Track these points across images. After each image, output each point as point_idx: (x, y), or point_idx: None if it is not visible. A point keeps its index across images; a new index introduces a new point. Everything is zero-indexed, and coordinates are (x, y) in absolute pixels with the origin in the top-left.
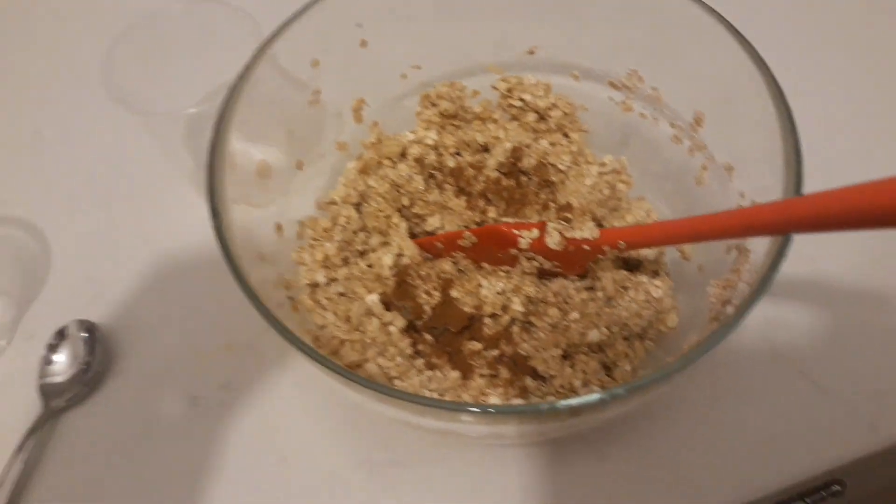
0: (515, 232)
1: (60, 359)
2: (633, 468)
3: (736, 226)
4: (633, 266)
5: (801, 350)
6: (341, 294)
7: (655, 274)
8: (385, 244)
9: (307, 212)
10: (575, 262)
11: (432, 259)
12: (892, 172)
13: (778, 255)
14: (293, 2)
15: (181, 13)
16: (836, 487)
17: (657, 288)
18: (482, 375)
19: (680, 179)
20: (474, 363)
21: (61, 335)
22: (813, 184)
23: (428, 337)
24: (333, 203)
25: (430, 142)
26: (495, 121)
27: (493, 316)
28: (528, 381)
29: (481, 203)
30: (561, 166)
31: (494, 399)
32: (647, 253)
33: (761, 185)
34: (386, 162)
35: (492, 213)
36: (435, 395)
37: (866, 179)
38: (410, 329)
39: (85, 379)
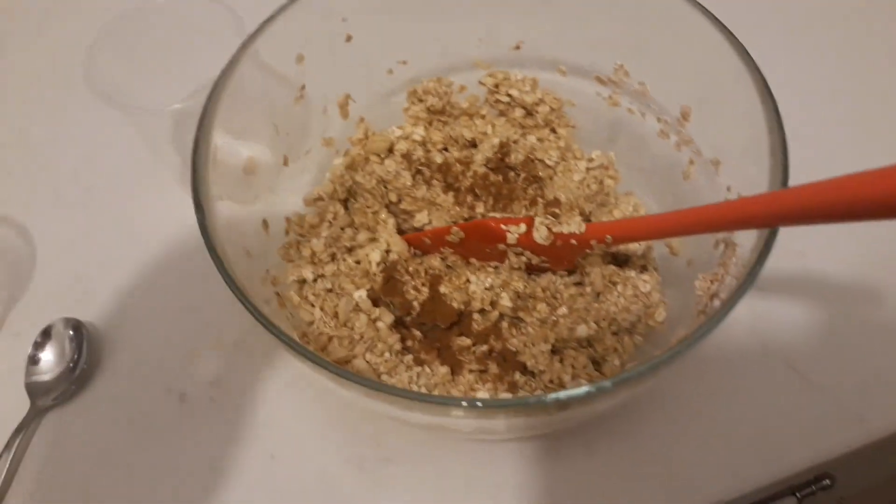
0: (503, 227)
1: (47, 357)
2: (624, 463)
3: (722, 219)
4: (621, 261)
5: (790, 344)
6: (329, 290)
7: (644, 269)
8: (373, 240)
9: (294, 208)
10: (563, 256)
11: (420, 255)
12: (877, 165)
13: (764, 249)
14: None
15: (164, 9)
16: (826, 482)
17: (645, 283)
18: (471, 371)
19: (667, 174)
20: (463, 359)
21: (47, 333)
22: (799, 177)
23: (417, 333)
24: (320, 199)
25: (417, 137)
26: (483, 116)
27: (481, 311)
28: (518, 377)
29: (469, 199)
30: (548, 162)
31: (483, 394)
32: (636, 248)
33: (748, 179)
34: (373, 158)
35: (480, 208)
36: (423, 391)
37: (851, 171)
38: (399, 325)
39: (72, 377)
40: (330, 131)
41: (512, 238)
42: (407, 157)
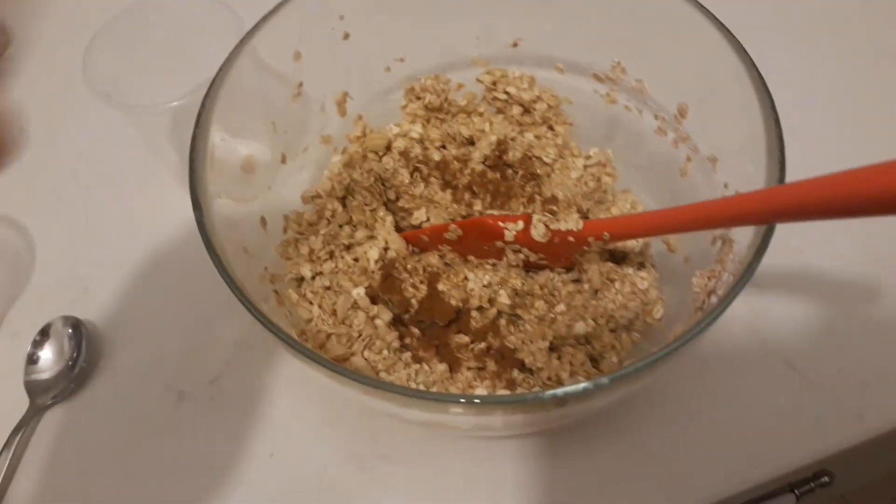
0: (501, 224)
1: (46, 355)
2: (623, 461)
3: (719, 215)
4: (619, 258)
5: (788, 342)
6: (327, 288)
7: (641, 266)
8: (371, 238)
9: (292, 206)
10: (560, 253)
11: (418, 252)
12: (874, 161)
13: (761, 245)
14: None
15: (162, 7)
16: (825, 479)
17: (643, 279)
18: (469, 368)
19: (665, 171)
20: (461, 356)
21: (46, 332)
22: (796, 174)
23: (415, 330)
24: (318, 197)
25: (415, 135)
26: (480, 114)
27: (479, 309)
28: (516, 374)
29: (467, 196)
30: (546, 159)
31: (481, 391)
32: (633, 245)
33: (745, 176)
34: (371, 155)
35: (477, 206)
36: (421, 388)
37: (848, 168)
38: (397, 322)
39: (70, 376)
40: (328, 129)
41: (510, 235)
42: (405, 154)
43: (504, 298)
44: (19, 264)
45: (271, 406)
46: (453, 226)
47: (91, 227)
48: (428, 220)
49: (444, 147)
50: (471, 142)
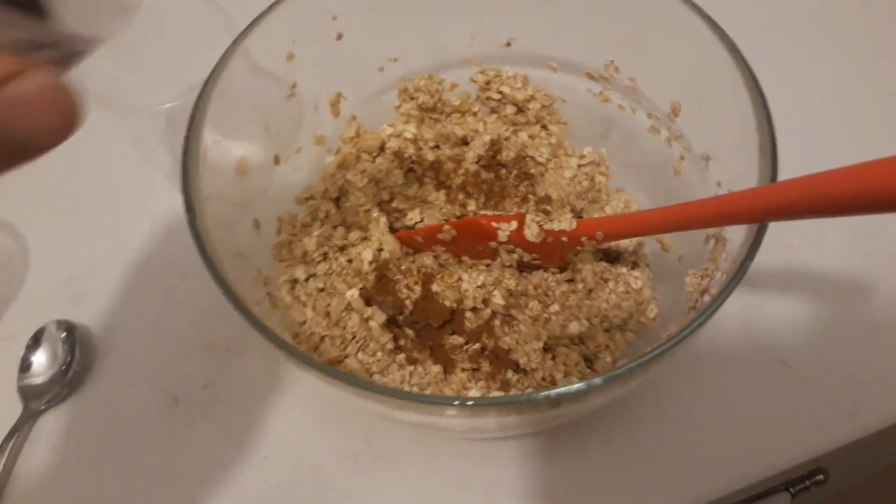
0: (494, 224)
1: (39, 360)
2: (618, 461)
3: (711, 214)
4: (612, 258)
5: (781, 340)
6: (321, 290)
7: (635, 265)
8: (365, 239)
9: (285, 207)
10: (554, 253)
11: (413, 253)
12: (866, 159)
13: (754, 244)
14: None
15: (154, 9)
16: (820, 477)
17: (637, 279)
18: (464, 370)
19: (658, 170)
20: (456, 357)
21: (39, 336)
22: (790, 173)
23: (409, 332)
24: (312, 198)
25: (408, 135)
26: (474, 114)
27: (474, 310)
28: (510, 375)
29: (461, 196)
30: (540, 159)
31: (475, 393)
32: (627, 244)
33: (738, 175)
34: (365, 156)
35: (471, 206)
36: (415, 390)
37: (840, 165)
38: (391, 324)
39: (64, 380)
40: (321, 130)
41: (503, 236)
42: (398, 155)
43: (498, 299)
44: (12, 268)
45: (265, 409)
46: (447, 226)
47: (84, 231)
48: (422, 220)
49: (437, 147)
50: (465, 142)
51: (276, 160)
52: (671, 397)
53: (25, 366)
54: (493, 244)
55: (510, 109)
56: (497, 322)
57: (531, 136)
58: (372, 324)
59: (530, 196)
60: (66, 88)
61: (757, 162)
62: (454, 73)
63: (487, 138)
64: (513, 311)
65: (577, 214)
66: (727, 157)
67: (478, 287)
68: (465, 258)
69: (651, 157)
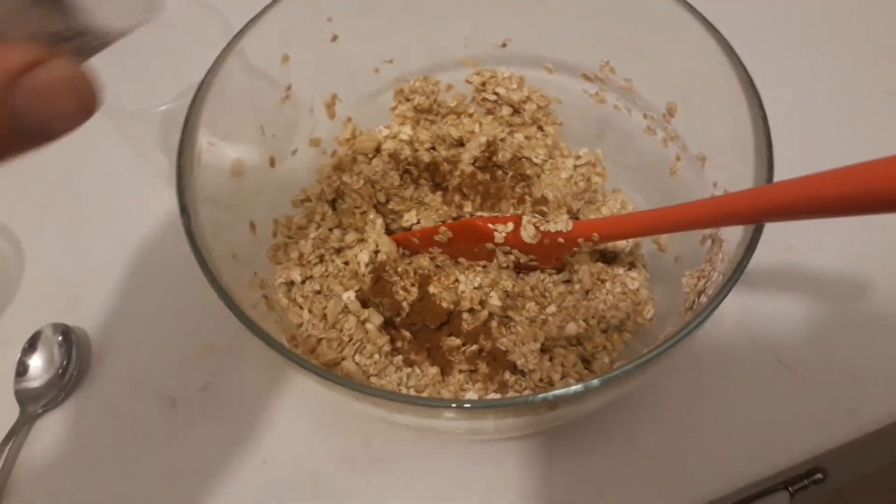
0: (491, 226)
1: (36, 364)
2: (616, 461)
3: (708, 215)
4: (609, 258)
5: (779, 339)
6: (317, 292)
7: (632, 266)
8: (361, 241)
9: (281, 209)
10: (551, 255)
11: (409, 255)
12: (862, 159)
13: (750, 244)
14: None
15: None
16: (819, 476)
17: (633, 280)
18: (461, 371)
19: (654, 170)
20: (453, 359)
21: (36, 339)
22: (784, 172)
23: (406, 333)
24: (308, 200)
25: (404, 137)
26: (470, 115)
27: (471, 311)
28: (508, 376)
29: (457, 198)
30: (536, 160)
31: (472, 395)
32: (623, 245)
33: (734, 175)
34: (360, 158)
35: (468, 207)
36: (413, 392)
37: (838, 165)
38: (388, 326)
39: (61, 384)
40: (317, 131)
41: (500, 237)
42: (394, 156)
43: (495, 300)
44: (8, 271)
45: (263, 411)
46: (443, 228)
47: (80, 234)
48: (418, 222)
49: (433, 149)
50: (460, 143)
51: (272, 162)
52: (670, 397)
53: (22, 370)
54: (489, 246)
55: (506, 110)
56: (494, 323)
57: (527, 137)
58: (369, 326)
59: (527, 197)
60: (85, 76)
61: (753, 162)
62: (450, 75)
63: (483, 139)
64: (510, 313)
65: (574, 215)
66: (723, 158)
67: (475, 288)
68: (461, 259)
69: (647, 157)
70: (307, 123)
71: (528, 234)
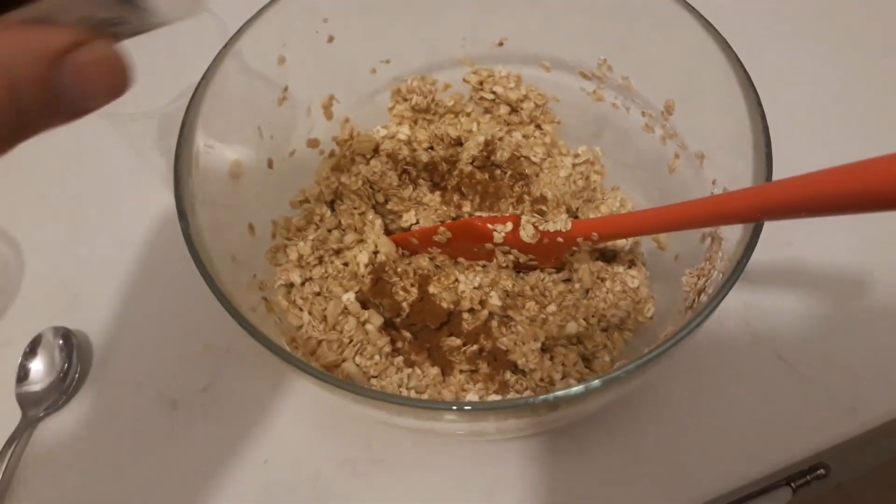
0: (490, 226)
1: (37, 367)
2: (618, 460)
3: (708, 214)
4: (609, 257)
5: (780, 336)
6: (317, 293)
7: (632, 264)
8: (360, 241)
9: (280, 211)
10: (550, 254)
11: (409, 255)
12: (861, 157)
13: (750, 243)
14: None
15: None
16: (821, 471)
17: (633, 278)
18: (462, 371)
19: (653, 168)
20: (454, 359)
21: (37, 343)
22: (783, 170)
23: (406, 334)
24: (306, 201)
25: (402, 137)
26: (468, 114)
27: (471, 311)
28: (508, 376)
29: (456, 198)
30: (534, 158)
31: (473, 395)
32: (623, 243)
33: (732, 172)
34: (359, 158)
35: (466, 207)
36: (413, 393)
37: (838, 163)
38: (389, 327)
39: (62, 387)
40: (314, 132)
41: (499, 237)
42: (392, 156)
43: (495, 300)
44: (8, 274)
45: (264, 413)
46: (442, 228)
47: (80, 236)
48: (417, 222)
49: (431, 148)
50: (459, 143)
51: (270, 164)
52: (670, 396)
53: (23, 374)
54: (488, 245)
55: (504, 109)
56: (494, 323)
57: (525, 136)
58: (369, 327)
59: (525, 196)
60: (120, 58)
61: (752, 160)
62: (447, 74)
63: (481, 139)
64: (510, 312)
65: (573, 214)
66: (722, 155)
67: (474, 288)
68: (461, 259)
69: (645, 155)
70: (305, 124)
71: (527, 233)
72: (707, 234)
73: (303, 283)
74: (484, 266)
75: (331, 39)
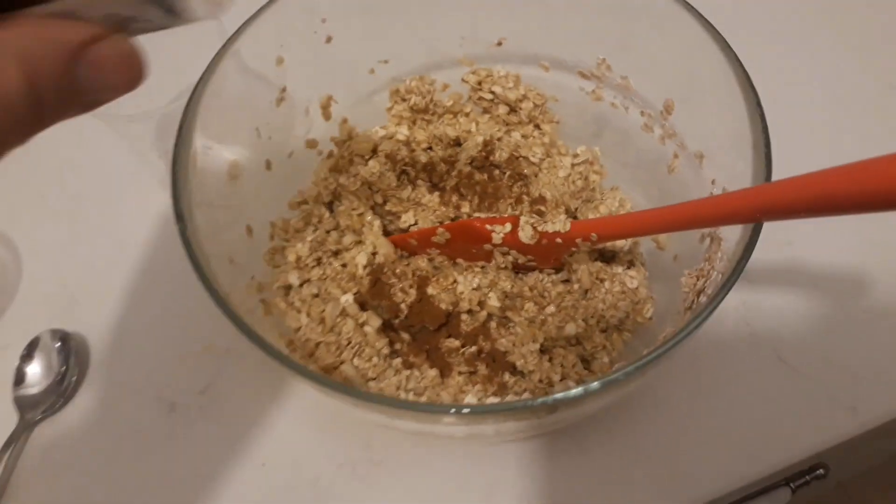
0: (488, 227)
1: (34, 370)
2: (617, 461)
3: (707, 215)
4: (608, 257)
5: (780, 336)
6: (315, 295)
7: (630, 264)
8: (359, 243)
9: (278, 212)
10: (549, 255)
11: (407, 256)
12: (860, 157)
13: (749, 243)
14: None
15: None
16: (820, 471)
17: (632, 279)
18: (461, 373)
19: (653, 168)
20: (452, 361)
21: (34, 346)
22: (783, 170)
23: (405, 335)
24: (305, 202)
25: (401, 137)
26: (466, 114)
27: (470, 312)
28: (507, 377)
29: (454, 198)
30: (533, 159)
31: (471, 397)
32: (622, 243)
33: (732, 172)
34: (357, 159)
35: (465, 207)
36: (412, 396)
37: (839, 162)
38: (387, 328)
39: (60, 390)
40: (313, 133)
41: (497, 238)
42: (391, 157)
43: (494, 301)
44: (5, 277)
45: (263, 415)
46: (441, 229)
47: (78, 238)
48: (416, 223)
49: (430, 149)
50: (457, 143)
51: (268, 165)
52: (670, 396)
53: (20, 376)
54: (487, 247)
55: (502, 109)
56: (493, 324)
57: (524, 136)
58: (367, 329)
59: (524, 196)
60: (136, 54)
61: (751, 160)
62: (445, 74)
63: (480, 139)
64: (509, 313)
65: (572, 214)
66: (721, 155)
67: (473, 289)
68: (460, 260)
69: (645, 155)
70: (303, 125)
71: (525, 234)
72: (706, 235)
73: (301, 285)
74: (483, 267)
75: (329, 40)
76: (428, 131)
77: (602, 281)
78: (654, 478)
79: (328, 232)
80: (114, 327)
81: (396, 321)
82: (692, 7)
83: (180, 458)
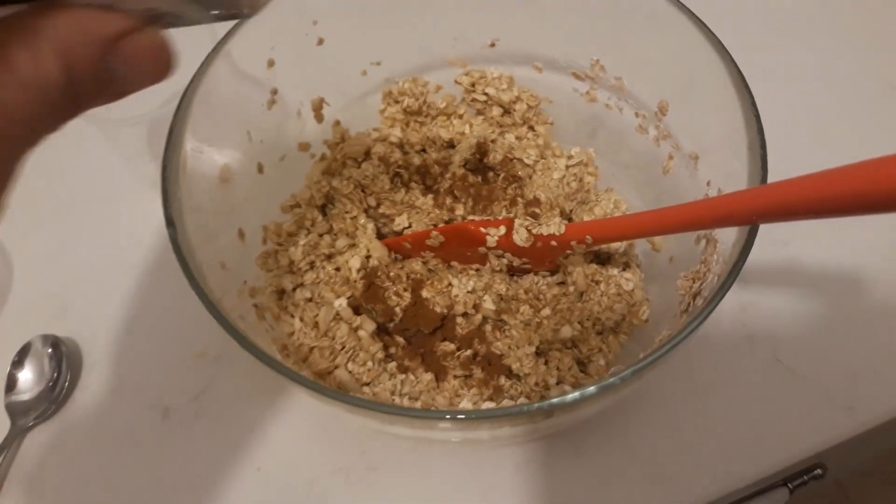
0: (483, 230)
1: (26, 376)
2: (615, 463)
3: (703, 217)
4: (603, 259)
5: (776, 336)
6: (309, 300)
7: (626, 266)
8: (352, 246)
9: (270, 216)
10: (544, 257)
11: (401, 259)
12: (857, 158)
13: (745, 245)
14: None
15: None
16: (818, 471)
17: (628, 281)
18: (456, 377)
19: (647, 169)
20: (447, 364)
21: (25, 352)
22: (778, 171)
23: (400, 339)
24: (297, 206)
25: (394, 139)
26: (460, 116)
27: (465, 315)
28: (503, 381)
29: (448, 201)
30: (527, 160)
31: (467, 401)
32: (617, 245)
33: (727, 173)
34: (350, 162)
35: (459, 210)
36: (407, 400)
37: (837, 163)
38: (382, 332)
39: (52, 396)
40: (305, 136)
41: (492, 241)
42: (384, 159)
43: (489, 304)
44: None
45: (257, 420)
46: (435, 232)
47: (69, 243)
48: (410, 226)
49: (424, 151)
50: (451, 145)
51: (260, 168)
52: (666, 397)
53: (11, 382)
54: (482, 249)
55: (496, 111)
56: (488, 327)
57: (518, 138)
58: (361, 333)
59: (518, 199)
60: (166, 47)
61: (747, 160)
62: (439, 76)
63: (474, 141)
64: (504, 316)
65: (567, 216)
66: (716, 156)
67: (468, 292)
68: (454, 263)
69: (640, 156)
70: (295, 128)
71: (520, 237)
72: (702, 236)
73: (294, 290)
74: (477, 270)
75: (321, 42)
76: (421, 133)
77: (597, 283)
78: (652, 479)
79: (321, 235)
80: (105, 333)
81: (391, 325)
82: (686, 7)
83: (174, 464)
